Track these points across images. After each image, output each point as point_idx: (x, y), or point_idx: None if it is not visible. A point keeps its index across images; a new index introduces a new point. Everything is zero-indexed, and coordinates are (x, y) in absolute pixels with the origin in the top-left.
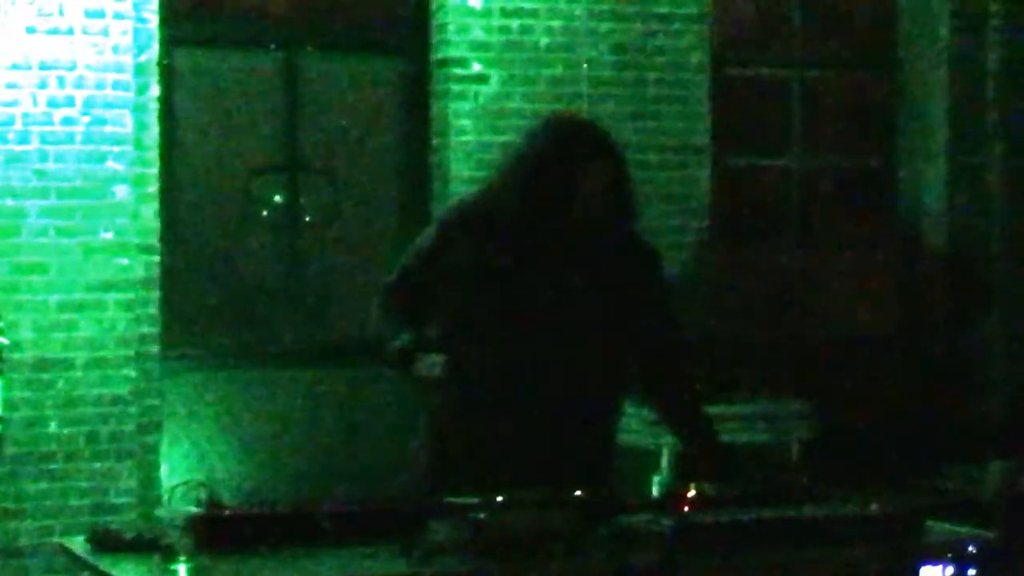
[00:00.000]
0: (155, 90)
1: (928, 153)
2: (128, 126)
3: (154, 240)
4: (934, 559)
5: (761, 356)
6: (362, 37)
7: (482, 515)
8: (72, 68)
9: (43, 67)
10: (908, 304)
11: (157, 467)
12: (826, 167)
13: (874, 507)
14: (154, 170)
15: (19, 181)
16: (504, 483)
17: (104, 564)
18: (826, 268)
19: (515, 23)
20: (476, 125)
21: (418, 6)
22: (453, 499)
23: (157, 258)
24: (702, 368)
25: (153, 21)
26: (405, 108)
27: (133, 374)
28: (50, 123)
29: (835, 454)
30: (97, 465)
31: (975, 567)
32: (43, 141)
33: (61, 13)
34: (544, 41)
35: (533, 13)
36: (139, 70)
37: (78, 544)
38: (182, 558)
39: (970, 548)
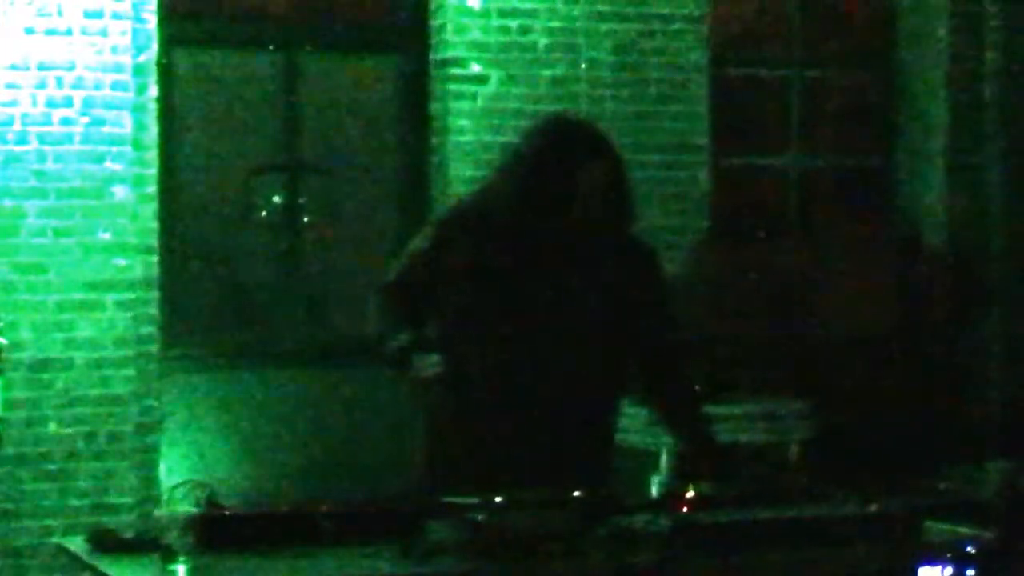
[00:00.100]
0: (154, 90)
1: (927, 153)
2: (127, 126)
3: (153, 240)
4: (933, 559)
5: (760, 356)
6: (361, 37)
7: (481, 515)
8: (71, 68)
9: (42, 67)
10: (907, 304)
11: (156, 467)
12: (825, 167)
13: (873, 507)
14: (153, 170)
15: (18, 181)
16: (502, 483)
17: (103, 564)
18: (825, 268)
19: (514, 23)
20: (475, 125)
21: (417, 6)
22: (452, 499)
23: (156, 258)
24: (701, 368)
25: (152, 21)
26: (404, 108)
27: (132, 374)
28: (49, 123)
29: (834, 454)
30: (96, 465)
31: (974, 567)
32: (42, 141)
33: (60, 13)
34: (543, 41)
35: (532, 13)
36: (138, 70)
37: (77, 544)
38: (181, 558)
39: (969, 548)
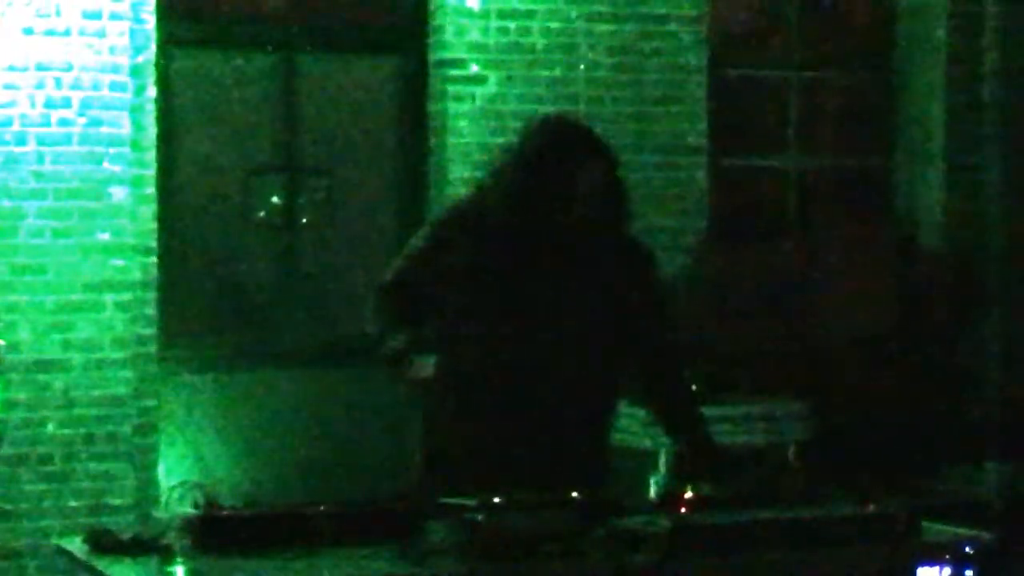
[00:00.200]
0: (152, 91)
1: (926, 154)
2: (125, 127)
3: (151, 241)
4: (931, 560)
5: (758, 357)
6: (359, 38)
7: (479, 516)
8: (69, 69)
9: (40, 68)
10: (906, 304)
11: (155, 468)
12: (823, 168)
13: (871, 508)
14: (151, 171)
15: (16, 182)
16: (499, 484)
17: (102, 565)
18: (823, 269)
19: (512, 24)
20: (474, 126)
21: (415, 7)
22: (450, 500)
23: (154, 259)
24: (700, 369)
25: (150, 22)
26: (403, 109)
27: (130, 375)
28: (47, 124)
29: (833, 455)
30: (95, 466)
31: (972, 568)
32: (40, 142)
33: (58, 14)
34: (541, 42)
35: (530, 14)
36: (136, 71)
37: (76, 545)
38: (180, 559)
39: (967, 549)
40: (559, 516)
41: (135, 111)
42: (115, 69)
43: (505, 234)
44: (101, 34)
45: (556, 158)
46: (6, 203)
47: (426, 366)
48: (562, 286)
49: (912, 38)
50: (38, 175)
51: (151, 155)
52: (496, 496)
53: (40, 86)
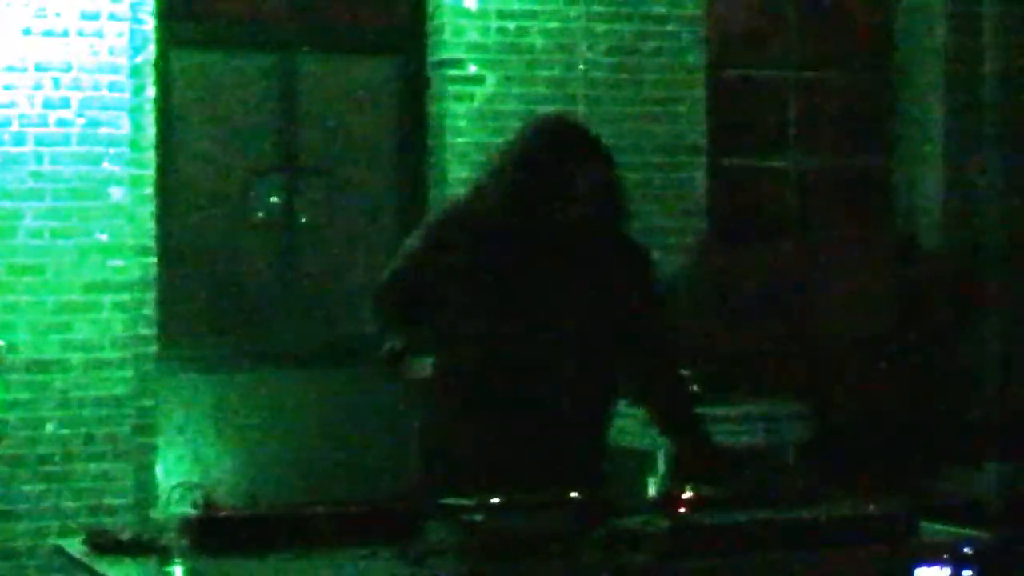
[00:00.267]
0: (151, 91)
1: (925, 154)
2: (124, 128)
3: (150, 242)
4: (930, 560)
5: (758, 357)
6: (358, 39)
7: (478, 517)
8: (68, 70)
9: (39, 68)
10: (905, 306)
11: (153, 468)
12: (823, 168)
13: (870, 508)
14: (150, 172)
15: (15, 183)
16: (496, 484)
17: (100, 566)
18: (823, 269)
19: (511, 24)
20: (473, 126)
21: (414, 8)
22: (449, 501)
23: (153, 259)
24: (700, 369)
25: (149, 22)
26: (402, 109)
27: (129, 375)
28: (46, 125)
29: (832, 455)
30: (93, 466)
31: (971, 568)
32: (39, 143)
33: (57, 15)
34: (540, 42)
35: (529, 14)
36: (135, 71)
37: (74, 545)
38: (178, 559)
39: (966, 550)
40: (558, 517)
41: (134, 111)
42: (114, 69)
43: (502, 234)
44: (100, 34)
45: (553, 158)
46: (5, 203)
47: (423, 367)
48: (559, 286)
49: (912, 38)
50: (37, 175)
51: (150, 155)
52: (495, 496)
53: (39, 86)
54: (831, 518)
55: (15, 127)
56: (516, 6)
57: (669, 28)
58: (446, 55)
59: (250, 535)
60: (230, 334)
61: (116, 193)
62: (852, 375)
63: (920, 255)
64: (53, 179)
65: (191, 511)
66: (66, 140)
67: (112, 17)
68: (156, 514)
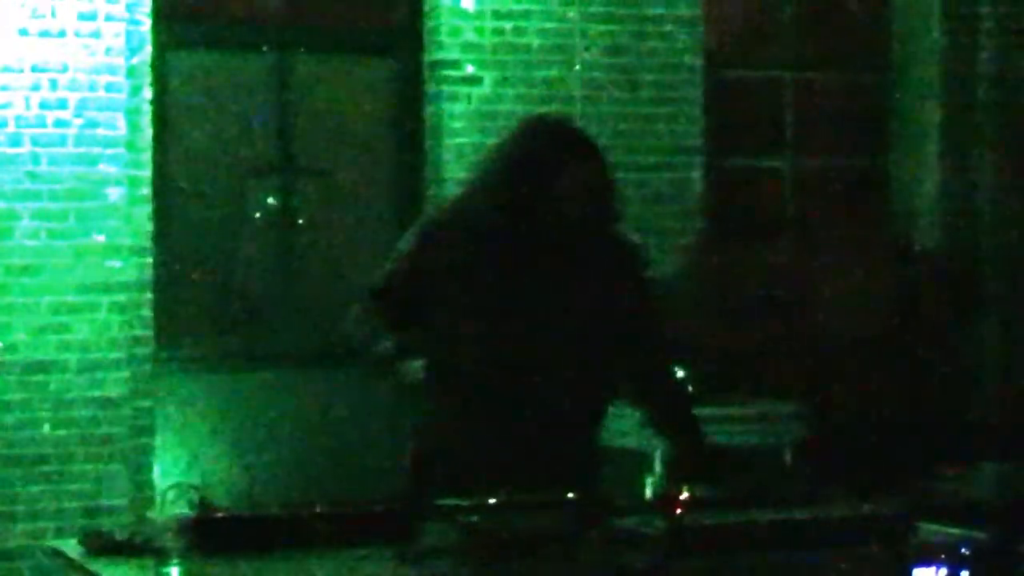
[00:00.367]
0: (148, 92)
1: (921, 154)
2: (121, 128)
3: (147, 242)
4: (927, 561)
5: (758, 357)
6: (355, 39)
7: (475, 518)
8: (65, 70)
9: (35, 69)
10: (902, 306)
11: (150, 469)
12: (820, 168)
13: (867, 508)
14: (147, 172)
15: (11, 184)
16: (490, 485)
17: (97, 567)
18: (820, 270)
19: (508, 25)
20: (469, 127)
21: (411, 8)
22: (447, 502)
23: (150, 260)
24: (699, 369)
25: (146, 23)
26: (398, 110)
27: (126, 376)
28: (43, 125)
29: (832, 455)
30: (90, 467)
31: (969, 569)
32: (35, 143)
33: (54, 15)
34: (537, 43)
35: (526, 15)
36: (132, 72)
37: (71, 547)
38: (175, 560)
39: (964, 550)
40: (555, 517)
41: (131, 112)
42: (111, 70)
43: (495, 235)
44: (97, 35)
45: (546, 159)
46: (1, 204)
47: (413, 371)
48: (552, 287)
49: (908, 39)
50: (33, 176)
51: (147, 156)
52: (492, 496)
53: (36, 87)
54: (828, 518)
55: (12, 128)
56: (513, 7)
57: (666, 28)
58: (442, 56)
59: (247, 536)
60: (227, 335)
61: (113, 194)
62: (851, 375)
63: (918, 255)
64: (50, 180)
65: (187, 512)
66: (63, 141)
67: (109, 18)
68: (152, 515)
